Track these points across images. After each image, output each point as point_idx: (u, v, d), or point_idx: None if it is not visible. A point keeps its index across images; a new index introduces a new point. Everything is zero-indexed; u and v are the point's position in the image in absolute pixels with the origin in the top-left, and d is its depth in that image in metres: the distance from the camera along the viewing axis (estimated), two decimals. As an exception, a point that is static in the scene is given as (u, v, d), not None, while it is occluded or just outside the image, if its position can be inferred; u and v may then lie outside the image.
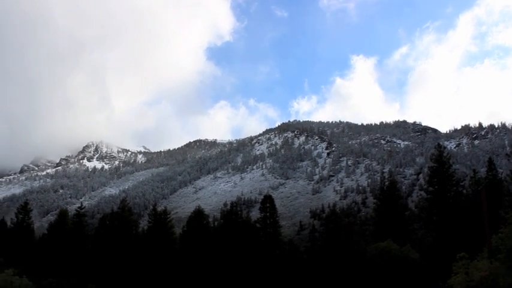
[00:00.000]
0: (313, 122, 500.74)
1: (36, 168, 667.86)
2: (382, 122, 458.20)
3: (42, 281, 49.72)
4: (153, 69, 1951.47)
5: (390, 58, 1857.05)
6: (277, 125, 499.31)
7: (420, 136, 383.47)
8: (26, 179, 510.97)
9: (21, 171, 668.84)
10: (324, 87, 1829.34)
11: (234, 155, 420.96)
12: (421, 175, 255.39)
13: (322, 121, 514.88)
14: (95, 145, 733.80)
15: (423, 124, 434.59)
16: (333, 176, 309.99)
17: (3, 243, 65.88)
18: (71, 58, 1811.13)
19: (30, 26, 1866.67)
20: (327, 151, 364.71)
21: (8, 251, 59.53)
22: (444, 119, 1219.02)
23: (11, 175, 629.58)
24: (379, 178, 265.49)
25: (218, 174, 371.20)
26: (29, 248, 66.98)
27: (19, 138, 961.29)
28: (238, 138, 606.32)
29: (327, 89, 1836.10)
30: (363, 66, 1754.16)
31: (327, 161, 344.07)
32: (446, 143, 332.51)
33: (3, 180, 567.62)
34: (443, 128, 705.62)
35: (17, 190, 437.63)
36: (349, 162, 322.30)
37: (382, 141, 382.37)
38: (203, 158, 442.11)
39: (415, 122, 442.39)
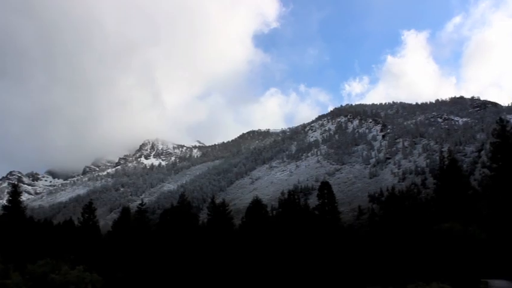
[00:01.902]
0: (365, 105, 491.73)
1: (97, 169, 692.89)
2: (437, 100, 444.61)
3: (110, 276, 51.53)
4: (201, 62, 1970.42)
5: (443, 30, 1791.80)
6: (329, 110, 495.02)
7: (480, 111, 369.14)
8: (88, 180, 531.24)
9: (84, 173, 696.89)
10: (375, 67, 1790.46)
11: (288, 143, 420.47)
12: (482, 152, 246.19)
13: (375, 103, 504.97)
14: (151, 143, 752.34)
15: (482, 98, 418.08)
16: (389, 158, 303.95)
17: (72, 241, 68.69)
18: (123, 59, 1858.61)
19: (83, 31, 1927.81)
20: (382, 133, 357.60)
21: (76, 248, 62.04)
22: (505, 91, 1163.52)
23: (74, 177, 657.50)
24: (438, 158, 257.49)
25: (273, 164, 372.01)
26: (96, 245, 69.45)
27: (80, 141, 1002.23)
28: (291, 127, 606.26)
29: (378, 68, 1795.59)
30: (414, 41, 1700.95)
31: (382, 143, 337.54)
32: (508, 116, 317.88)
33: (68, 182, 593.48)
34: (505, 101, 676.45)
35: (81, 191, 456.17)
36: (405, 144, 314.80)
37: (439, 120, 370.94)
38: (257, 149, 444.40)
39: (473, 97, 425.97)
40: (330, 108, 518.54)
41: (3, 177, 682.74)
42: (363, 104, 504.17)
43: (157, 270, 63.16)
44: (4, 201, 79.32)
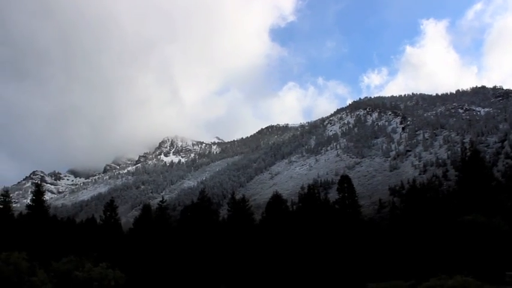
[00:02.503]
0: (384, 97, 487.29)
1: (118, 167, 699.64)
2: (458, 90, 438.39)
3: (132, 272, 52.17)
4: (218, 58, 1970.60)
5: (463, 18, 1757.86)
6: (348, 103, 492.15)
7: (502, 101, 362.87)
8: (109, 178, 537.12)
9: (105, 171, 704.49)
10: (394, 58, 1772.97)
11: (307, 137, 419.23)
12: (506, 142, 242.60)
13: (394, 95, 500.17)
14: (170, 140, 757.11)
15: (505, 87, 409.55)
16: (410, 150, 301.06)
17: (95, 239, 69.61)
18: (140, 57, 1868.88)
19: (101, 30, 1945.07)
20: (402, 126, 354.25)
21: (99, 246, 62.88)
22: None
23: (95, 175, 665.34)
24: (459, 149, 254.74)
25: (293, 159, 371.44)
26: (118, 242, 70.22)
27: (100, 140, 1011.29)
28: (309, 121, 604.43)
29: (397, 59, 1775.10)
30: (434, 30, 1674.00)
31: (402, 136, 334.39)
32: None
33: (90, 180, 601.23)
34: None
35: (102, 189, 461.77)
36: (426, 135, 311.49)
37: (460, 110, 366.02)
38: (276, 144, 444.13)
39: (495, 87, 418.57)
40: (349, 101, 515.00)
41: (26, 177, 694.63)
42: (382, 97, 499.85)
43: (179, 267, 63.67)
44: (28, 201, 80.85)
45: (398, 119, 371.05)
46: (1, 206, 67.97)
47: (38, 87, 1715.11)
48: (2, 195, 70.16)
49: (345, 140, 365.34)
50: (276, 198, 75.75)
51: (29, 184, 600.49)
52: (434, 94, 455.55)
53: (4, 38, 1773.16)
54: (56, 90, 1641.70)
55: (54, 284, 40.60)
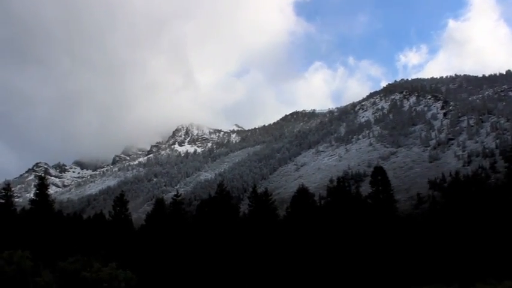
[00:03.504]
0: (423, 79, 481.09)
1: (128, 158, 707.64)
2: (509, 71, 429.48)
3: (144, 273, 52.81)
4: (236, 35, 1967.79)
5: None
6: (382, 86, 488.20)
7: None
8: (119, 170, 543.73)
9: (114, 162, 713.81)
10: (435, 34, 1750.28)
11: (336, 125, 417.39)
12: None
13: (435, 76, 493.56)
14: (185, 128, 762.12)
15: None
16: (452, 139, 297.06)
17: (104, 236, 70.59)
18: (151, 38, 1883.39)
19: (109, 9, 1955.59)
20: (443, 111, 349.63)
21: (108, 244, 63.80)
22: None
23: (104, 167, 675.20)
24: (509, 137, 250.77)
25: (320, 148, 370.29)
26: (129, 240, 71.06)
27: (108, 129, 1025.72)
28: (339, 106, 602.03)
29: (438, 35, 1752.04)
30: (481, 1, 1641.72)
31: (443, 122, 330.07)
32: None
33: (97, 173, 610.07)
34: None
35: (111, 182, 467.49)
36: (470, 122, 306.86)
37: (511, 93, 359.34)
38: (302, 132, 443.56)
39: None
40: (383, 84, 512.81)
41: (29, 169, 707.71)
42: (420, 78, 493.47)
43: (195, 267, 64.18)
44: (31, 195, 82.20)
45: (439, 104, 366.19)
46: (2, 201, 69.32)
47: (40, 71, 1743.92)
48: (3, 189, 71.53)
49: (378, 127, 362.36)
50: (302, 192, 75.66)
51: (31, 177, 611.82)
52: (481, 75, 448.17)
53: (3, 18, 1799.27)
54: (60, 75, 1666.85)
55: (60, 285, 41.33)
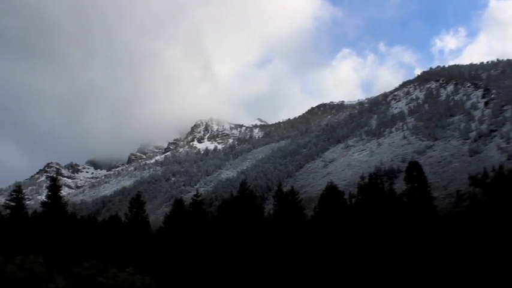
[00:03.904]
0: (462, 66, 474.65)
1: (144, 157, 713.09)
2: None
3: (163, 278, 53.25)
4: (257, 22, 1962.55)
5: None
6: (416, 74, 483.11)
7: None
8: (134, 170, 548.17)
9: (129, 161, 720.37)
10: (474, 14, 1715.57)
11: (367, 117, 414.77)
12: None
13: (475, 62, 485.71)
14: (204, 123, 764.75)
15: None
16: (494, 130, 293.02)
17: (120, 240, 71.35)
18: (166, 27, 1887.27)
19: (119, 1, 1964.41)
20: (484, 100, 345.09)
21: (125, 248, 64.54)
22: None
23: (118, 167, 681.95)
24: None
25: (350, 143, 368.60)
26: (146, 243, 71.69)
27: (123, 125, 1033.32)
28: (369, 97, 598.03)
29: (477, 16, 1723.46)
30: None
31: (485, 112, 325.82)
32: None
33: (112, 173, 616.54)
34: None
35: (127, 182, 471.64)
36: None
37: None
38: (330, 125, 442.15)
39: None
40: (417, 72, 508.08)
41: (40, 170, 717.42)
42: (458, 65, 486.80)
43: (217, 271, 64.48)
44: (43, 197, 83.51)
45: (479, 92, 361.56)
46: (13, 204, 70.49)
47: (50, 65, 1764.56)
48: (14, 191, 72.76)
49: (413, 119, 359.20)
50: (331, 190, 75.47)
51: (43, 178, 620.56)
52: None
53: (10, 9, 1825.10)
54: (70, 69, 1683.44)
55: (74, 291, 41.91)
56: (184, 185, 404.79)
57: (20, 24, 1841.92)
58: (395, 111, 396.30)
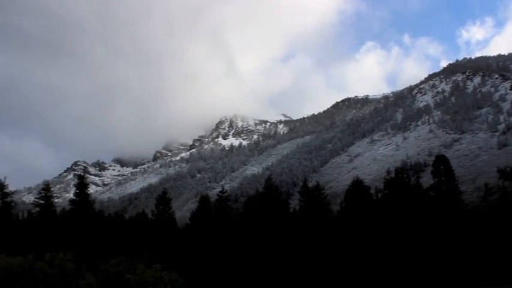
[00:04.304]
0: (489, 57, 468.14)
1: (170, 154, 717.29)
2: None
3: (190, 274, 53.55)
4: (280, 17, 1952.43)
5: None
6: (442, 67, 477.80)
7: None
8: (160, 167, 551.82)
9: (155, 159, 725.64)
10: (502, 4, 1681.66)
11: (392, 111, 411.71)
12: None
13: (502, 53, 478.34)
14: (228, 120, 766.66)
15: None
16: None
17: (146, 236, 71.93)
18: (188, 24, 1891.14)
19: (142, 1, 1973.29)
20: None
21: (152, 244, 65.03)
22: None
23: (144, 164, 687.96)
24: None
25: (375, 137, 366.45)
26: (173, 240, 72.15)
27: (148, 123, 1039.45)
28: (394, 90, 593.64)
29: (505, 5, 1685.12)
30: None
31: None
32: None
33: (138, 170, 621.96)
34: None
35: (152, 179, 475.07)
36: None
37: None
38: (355, 120, 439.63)
39: None
40: (443, 64, 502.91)
41: (67, 168, 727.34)
42: (485, 56, 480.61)
43: (243, 267, 64.68)
44: (71, 195, 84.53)
45: (507, 84, 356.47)
46: (42, 202, 71.49)
47: (74, 64, 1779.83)
48: (42, 189, 73.73)
49: (439, 112, 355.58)
50: (357, 185, 75.15)
51: (70, 176, 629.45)
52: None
53: (34, 9, 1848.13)
54: (94, 67, 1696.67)
55: (103, 288, 42.40)
56: (209, 182, 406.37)
57: (44, 23, 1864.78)
58: (421, 105, 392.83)
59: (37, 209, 72.11)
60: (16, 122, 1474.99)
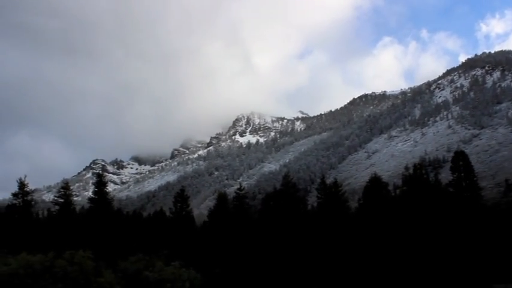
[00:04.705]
0: (509, 51, 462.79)
1: (187, 152, 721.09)
2: None
3: (208, 272, 53.74)
4: (296, 14, 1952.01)
5: None
6: (460, 62, 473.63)
7: None
8: (178, 165, 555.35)
9: (172, 157, 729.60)
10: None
11: (410, 107, 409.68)
12: None
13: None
14: (245, 117, 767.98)
15: None
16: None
17: (165, 234, 72.33)
18: (204, 22, 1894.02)
19: None
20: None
21: (170, 242, 65.31)
22: None
23: (162, 162, 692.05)
24: None
25: (393, 133, 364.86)
26: (191, 237, 72.50)
27: (165, 121, 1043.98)
28: (412, 86, 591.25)
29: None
30: None
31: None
32: None
33: (156, 168, 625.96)
34: None
35: (170, 177, 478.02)
36: None
37: None
38: (373, 116, 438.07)
39: None
40: (462, 59, 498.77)
41: (86, 167, 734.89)
42: (505, 50, 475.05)
43: (261, 265, 64.77)
44: (90, 193, 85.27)
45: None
46: (61, 200, 72.20)
47: (92, 63, 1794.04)
48: (62, 188, 74.44)
49: (458, 107, 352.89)
50: (375, 182, 74.84)
51: (89, 175, 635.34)
52: None
53: (50, 10, 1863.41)
54: (111, 67, 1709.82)
55: (122, 285, 42.64)
56: (227, 179, 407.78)
57: (61, 24, 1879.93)
58: (440, 100, 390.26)
59: (57, 207, 72.79)
60: (35, 122, 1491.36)
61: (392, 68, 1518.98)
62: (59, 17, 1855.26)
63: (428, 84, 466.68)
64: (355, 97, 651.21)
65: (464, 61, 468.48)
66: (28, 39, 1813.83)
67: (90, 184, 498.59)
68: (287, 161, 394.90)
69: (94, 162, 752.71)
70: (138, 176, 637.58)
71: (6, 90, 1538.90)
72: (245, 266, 64.89)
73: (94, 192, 74.11)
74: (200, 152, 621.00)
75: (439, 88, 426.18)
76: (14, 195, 69.31)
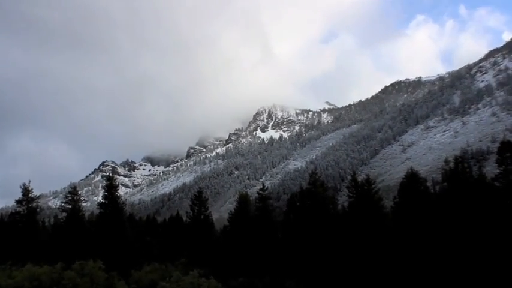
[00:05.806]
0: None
1: (204, 150, 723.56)
2: None
3: (230, 281, 53.81)
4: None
5: None
6: (505, 41, 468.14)
7: None
8: (194, 164, 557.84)
9: (188, 156, 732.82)
10: None
11: (449, 93, 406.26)
12: None
13: None
14: (266, 110, 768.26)
15: None
16: None
17: (182, 241, 72.59)
18: (219, 10, 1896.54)
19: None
20: None
21: (188, 249, 65.55)
22: None
23: (177, 162, 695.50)
24: None
25: (431, 123, 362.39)
26: (211, 243, 72.70)
27: (180, 117, 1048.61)
28: (450, 70, 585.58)
29: None
30: None
31: None
32: None
33: (171, 169, 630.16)
34: None
35: (186, 178, 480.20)
36: None
37: None
38: (407, 105, 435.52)
39: None
40: (506, 38, 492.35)
41: (95, 169, 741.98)
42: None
43: (289, 271, 64.71)
44: (99, 198, 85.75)
45: None
46: (69, 206, 72.79)
47: (97, 56, 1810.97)
48: (69, 193, 75.01)
49: (502, 92, 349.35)
50: (412, 177, 74.26)
51: (98, 178, 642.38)
52: None
53: (57, 1, 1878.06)
54: (121, 60, 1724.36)
55: (137, 297, 42.95)
56: (248, 179, 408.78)
57: (67, 15, 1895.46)
58: (482, 85, 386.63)
59: (64, 214, 73.44)
60: (39, 121, 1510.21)
61: (427, 51, 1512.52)
62: (61, 7, 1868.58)
63: (469, 67, 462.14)
64: (387, 85, 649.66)
65: (508, 40, 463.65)
66: (29, 32, 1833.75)
67: (100, 188, 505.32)
68: (314, 157, 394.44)
69: (103, 164, 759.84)
70: (151, 178, 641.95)
71: (8, 88, 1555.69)
72: (271, 274, 64.87)
73: (104, 197, 74.50)
74: (218, 150, 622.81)
75: (481, 72, 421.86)
76: (18, 202, 70.16)
